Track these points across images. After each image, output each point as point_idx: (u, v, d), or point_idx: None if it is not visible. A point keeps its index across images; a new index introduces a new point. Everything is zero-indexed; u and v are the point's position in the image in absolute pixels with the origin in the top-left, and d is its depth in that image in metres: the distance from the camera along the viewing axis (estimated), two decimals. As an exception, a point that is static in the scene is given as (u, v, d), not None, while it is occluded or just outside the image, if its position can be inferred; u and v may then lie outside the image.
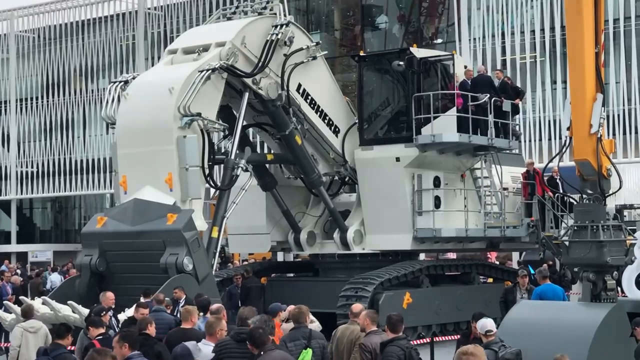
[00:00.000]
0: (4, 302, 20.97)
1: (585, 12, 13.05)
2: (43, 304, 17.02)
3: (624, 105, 38.13)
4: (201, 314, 12.99)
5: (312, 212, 24.02)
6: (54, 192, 55.03)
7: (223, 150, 21.38)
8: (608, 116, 35.42)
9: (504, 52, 40.60)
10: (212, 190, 23.43)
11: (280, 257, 33.09)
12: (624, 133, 37.94)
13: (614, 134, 37.04)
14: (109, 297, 15.28)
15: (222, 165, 20.51)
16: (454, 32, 42.98)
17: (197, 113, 19.07)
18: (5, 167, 56.61)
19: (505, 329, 12.98)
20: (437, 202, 22.36)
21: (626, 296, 18.88)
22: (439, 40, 44.90)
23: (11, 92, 56.25)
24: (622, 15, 38.07)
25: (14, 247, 55.86)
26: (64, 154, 54.27)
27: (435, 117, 22.08)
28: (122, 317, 15.17)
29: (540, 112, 39.84)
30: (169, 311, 14.60)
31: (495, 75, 24.70)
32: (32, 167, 55.65)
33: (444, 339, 21.40)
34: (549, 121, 39.53)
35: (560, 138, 36.77)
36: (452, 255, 30.62)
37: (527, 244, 25.02)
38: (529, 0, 40.14)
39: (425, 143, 22.11)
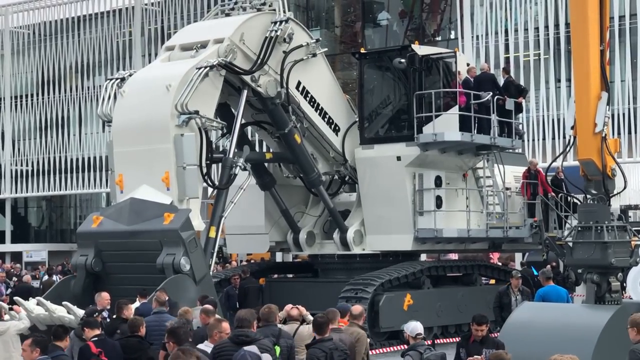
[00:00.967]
0: None
1: (590, 9, 12.90)
2: (38, 304, 16.83)
3: (629, 104, 37.89)
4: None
5: (311, 211, 23.84)
6: (49, 190, 54.81)
7: (221, 149, 21.17)
8: (613, 115, 35.19)
9: (507, 50, 40.39)
10: (210, 190, 23.26)
11: (279, 257, 32.89)
12: (629, 132, 37.71)
13: (618, 133, 36.78)
14: (104, 298, 15.14)
15: (220, 164, 20.34)
16: (456, 29, 42.74)
17: (194, 111, 18.90)
18: (0, 165, 56.40)
19: (508, 331, 12.82)
20: (439, 202, 22.15)
21: (631, 298, 18.71)
22: (441, 38, 44.69)
23: (6, 89, 55.97)
24: (628, 12, 37.81)
25: (8, 247, 55.61)
26: (59, 152, 54.05)
27: (437, 116, 21.87)
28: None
29: (544, 111, 39.61)
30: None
31: (501, 74, 24.46)
32: (26, 165, 55.40)
33: (445, 341, 21.24)
34: (553, 120, 39.29)
35: (564, 137, 36.46)
36: (453, 256, 30.42)
37: (530, 244, 24.87)
38: (532, -3, 39.94)
39: (427, 142, 21.89)
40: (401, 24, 46.19)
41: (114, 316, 13.89)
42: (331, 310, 11.62)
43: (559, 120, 38.72)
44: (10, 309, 16.52)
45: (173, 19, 49.75)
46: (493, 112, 22.42)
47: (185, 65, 19.69)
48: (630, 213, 31.76)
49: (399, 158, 22.19)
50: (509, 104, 22.99)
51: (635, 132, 37.83)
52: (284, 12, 21.10)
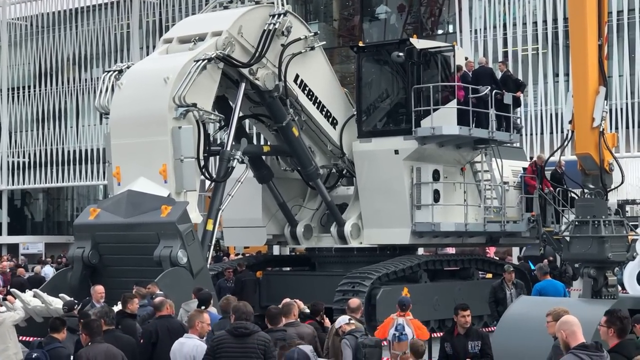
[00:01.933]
0: None
1: (588, 3, 12.91)
2: (34, 296, 16.82)
3: (627, 99, 37.87)
4: (202, 307, 12.86)
5: (308, 205, 23.80)
6: (46, 183, 54.69)
7: (219, 142, 21.14)
8: (611, 110, 35.16)
9: (505, 44, 40.33)
10: (207, 182, 23.22)
11: (276, 250, 32.87)
12: (627, 127, 37.68)
13: (616, 128, 36.76)
14: (97, 291, 15.11)
15: (217, 157, 20.30)
16: (454, 23, 42.68)
17: (192, 103, 18.84)
18: (-4, 157, 56.30)
19: (504, 325, 12.82)
20: (436, 195, 22.14)
21: (627, 292, 18.70)
22: (440, 32, 44.66)
23: (3, 81, 55.76)
24: (626, 7, 37.80)
25: (4, 239, 55.50)
26: (57, 144, 53.91)
27: (435, 110, 21.83)
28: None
29: (542, 105, 39.59)
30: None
31: (499, 68, 24.42)
32: (23, 157, 55.20)
33: (442, 334, 21.16)
34: (551, 114, 39.27)
35: (562, 132, 36.44)
36: (451, 250, 30.40)
37: (527, 239, 24.86)
38: (531, -9, 39.88)
39: (425, 136, 21.86)
40: (399, 18, 46.17)
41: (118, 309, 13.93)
42: (289, 303, 11.95)
43: (557, 114, 38.71)
44: (4, 299, 16.53)
45: (171, 12, 49.62)
46: (491, 107, 22.39)
47: (183, 57, 19.62)
48: (628, 208, 31.76)
49: (396, 152, 22.16)
50: (507, 98, 22.95)
51: (633, 127, 37.82)
52: (282, 5, 21.01)
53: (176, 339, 10.55)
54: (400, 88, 23.08)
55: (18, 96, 55.72)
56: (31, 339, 15.29)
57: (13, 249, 52.32)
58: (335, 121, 22.75)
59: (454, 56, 22.54)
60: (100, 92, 20.58)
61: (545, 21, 39.51)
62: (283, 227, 23.61)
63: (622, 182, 13.57)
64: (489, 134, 22.46)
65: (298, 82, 21.70)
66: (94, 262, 18.71)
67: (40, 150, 54.53)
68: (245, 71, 20.43)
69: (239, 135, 21.34)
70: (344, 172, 23.85)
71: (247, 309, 10.02)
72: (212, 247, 19.88)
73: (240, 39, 20.29)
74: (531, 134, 39.36)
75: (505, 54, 39.87)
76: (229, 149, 19.98)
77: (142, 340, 11.66)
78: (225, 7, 21.63)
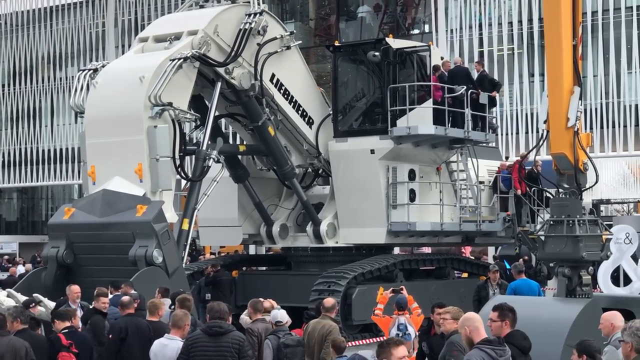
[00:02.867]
0: None
1: (563, 4, 12.95)
2: (8, 296, 16.67)
3: (601, 99, 38.12)
4: (173, 306, 12.82)
5: (284, 204, 23.78)
6: (20, 182, 54.40)
7: (194, 141, 21.08)
8: (585, 110, 35.37)
9: (481, 44, 40.51)
10: (183, 182, 23.12)
11: (252, 250, 32.84)
12: (601, 127, 37.94)
13: (591, 128, 37.03)
14: (73, 291, 15.02)
15: (193, 156, 20.22)
16: (430, 23, 42.78)
17: (168, 103, 18.75)
18: (-29, 156, 55.91)
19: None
20: (412, 195, 22.17)
21: (602, 292, 18.81)
22: (416, 31, 44.75)
23: (-23, 80, 55.56)
24: (601, 8, 38.04)
25: (-22, 238, 55.24)
26: (31, 144, 53.61)
27: (410, 109, 21.86)
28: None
29: (517, 105, 39.79)
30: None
31: (475, 68, 24.48)
32: (-2, 156, 54.96)
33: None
34: (526, 114, 39.48)
35: (537, 131, 36.64)
36: (427, 250, 30.48)
37: (503, 238, 24.97)
38: (506, -9, 40.05)
39: (401, 135, 21.89)
40: (376, 18, 46.23)
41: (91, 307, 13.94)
42: (257, 301, 12.25)
43: (532, 114, 38.92)
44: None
45: (147, 10, 49.47)
46: (467, 106, 22.44)
47: (159, 56, 19.52)
48: (602, 207, 31.99)
49: (372, 151, 22.18)
50: (483, 97, 23.02)
51: (607, 127, 38.07)
52: (258, 4, 20.96)
53: (144, 337, 10.48)
54: (376, 88, 23.09)
55: (-7, 95, 55.44)
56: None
57: (-14, 248, 52.02)
58: (311, 121, 22.73)
59: (429, 56, 22.56)
60: (75, 90, 20.45)
61: (520, 21, 39.71)
62: (259, 227, 23.57)
63: (596, 182, 13.63)
64: (464, 133, 22.51)
65: (274, 81, 21.66)
66: (68, 262, 18.56)
67: (14, 149, 54.20)
68: (221, 70, 20.37)
69: (215, 134, 21.27)
70: (320, 172, 23.83)
71: (222, 308, 9.98)
72: (187, 247, 19.79)
73: (216, 38, 20.23)
74: (507, 134, 39.55)
75: (481, 53, 40.04)
76: (204, 148, 19.91)
77: (110, 336, 11.64)
78: (202, 6, 21.56)
